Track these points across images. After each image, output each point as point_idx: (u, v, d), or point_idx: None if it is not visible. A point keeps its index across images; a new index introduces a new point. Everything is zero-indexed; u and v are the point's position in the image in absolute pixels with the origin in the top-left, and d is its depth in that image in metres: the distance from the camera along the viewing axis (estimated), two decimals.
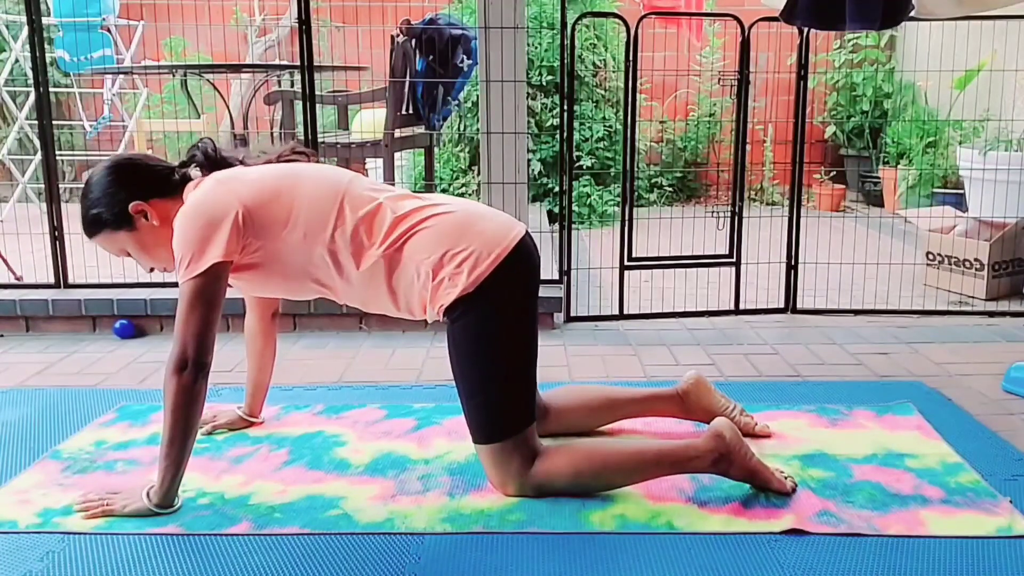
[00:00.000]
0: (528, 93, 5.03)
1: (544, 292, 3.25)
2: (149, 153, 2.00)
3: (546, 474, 1.87)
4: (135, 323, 3.29)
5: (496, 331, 1.85)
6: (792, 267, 3.53)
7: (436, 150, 5.33)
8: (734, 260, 3.51)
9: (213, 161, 1.99)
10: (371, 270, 1.86)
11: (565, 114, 3.29)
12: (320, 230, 1.84)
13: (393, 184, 4.19)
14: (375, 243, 1.84)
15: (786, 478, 1.91)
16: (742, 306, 3.50)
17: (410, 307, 1.91)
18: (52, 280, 3.46)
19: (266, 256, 1.86)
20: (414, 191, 5.23)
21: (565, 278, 3.38)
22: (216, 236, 1.78)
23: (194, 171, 1.99)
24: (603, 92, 5.87)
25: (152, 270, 2.03)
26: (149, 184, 1.93)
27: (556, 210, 3.68)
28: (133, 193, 1.91)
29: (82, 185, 1.93)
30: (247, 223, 1.82)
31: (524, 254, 1.88)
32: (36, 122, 3.68)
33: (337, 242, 1.85)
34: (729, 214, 3.51)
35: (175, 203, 1.92)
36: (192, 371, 1.76)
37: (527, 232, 1.92)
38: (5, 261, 3.65)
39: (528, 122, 4.47)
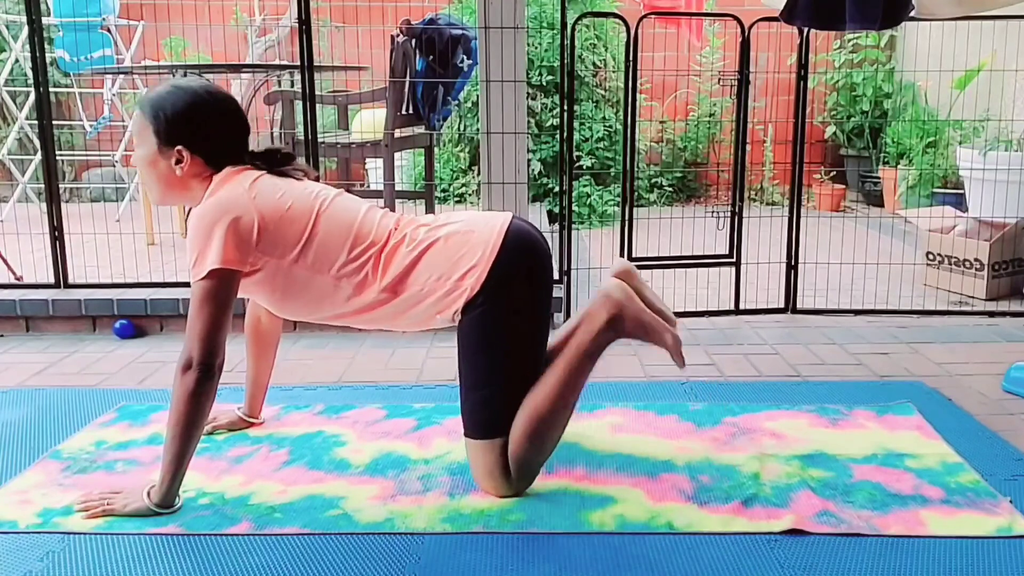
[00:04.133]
0: (528, 93, 5.03)
1: None
2: (241, 114, 1.98)
3: (514, 458, 1.86)
4: (135, 323, 3.29)
5: (499, 327, 1.86)
6: (792, 267, 3.53)
7: (436, 150, 5.34)
8: (734, 260, 3.51)
9: (273, 164, 1.99)
10: (371, 303, 1.90)
11: (565, 114, 3.29)
12: (328, 264, 1.87)
13: (393, 183, 4.20)
14: (376, 280, 1.88)
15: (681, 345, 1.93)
16: (742, 306, 3.50)
17: (415, 325, 1.97)
18: (52, 280, 3.46)
19: (266, 268, 1.87)
20: (414, 190, 5.26)
21: (565, 278, 3.38)
22: (228, 241, 1.79)
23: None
24: (603, 92, 5.87)
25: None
26: (210, 145, 1.90)
27: (556, 210, 3.68)
28: (191, 138, 1.88)
29: (156, 92, 1.88)
30: (259, 239, 1.83)
31: (516, 240, 1.89)
32: (36, 122, 3.67)
33: (342, 279, 1.88)
34: (729, 214, 3.51)
35: (208, 172, 1.91)
36: (197, 372, 1.76)
37: (514, 218, 1.93)
38: (5, 261, 3.65)
39: (528, 122, 4.47)
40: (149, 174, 1.94)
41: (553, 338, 2.12)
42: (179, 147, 1.88)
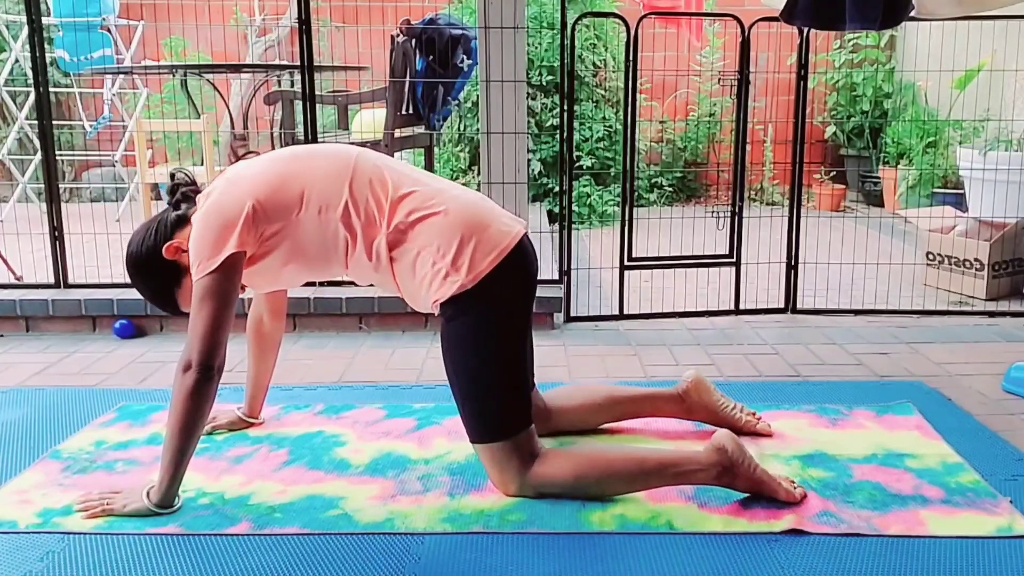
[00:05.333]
0: (528, 93, 5.03)
1: (544, 292, 3.25)
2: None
3: (547, 477, 1.87)
4: (135, 323, 3.29)
5: (491, 333, 1.85)
6: (792, 267, 3.53)
7: (436, 150, 5.34)
8: (734, 260, 3.51)
9: (194, 184, 2.01)
10: (377, 255, 1.87)
11: (565, 114, 3.29)
12: (334, 203, 1.85)
13: None
14: (384, 221, 1.85)
15: (796, 488, 1.88)
16: (742, 306, 3.50)
17: (410, 295, 1.93)
18: (52, 280, 3.46)
19: (284, 238, 1.86)
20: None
21: (565, 278, 3.38)
22: (231, 234, 1.79)
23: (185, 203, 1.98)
24: (603, 92, 5.87)
25: (248, 298, 2.04)
26: (160, 234, 1.93)
27: (556, 210, 3.68)
28: (157, 247, 1.91)
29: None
30: (259, 215, 1.82)
31: (522, 255, 1.88)
32: (36, 122, 3.67)
33: (351, 214, 1.85)
34: (729, 214, 3.51)
35: (190, 217, 1.92)
36: (196, 372, 1.76)
37: (526, 233, 1.93)
38: (5, 261, 3.65)
39: (528, 122, 4.47)
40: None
41: (619, 389, 2.25)
42: (164, 253, 1.89)
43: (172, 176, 2.00)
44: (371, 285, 2.01)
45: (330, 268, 1.95)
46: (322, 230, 1.86)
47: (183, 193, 1.97)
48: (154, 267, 1.92)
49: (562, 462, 1.89)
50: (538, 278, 1.98)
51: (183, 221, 1.93)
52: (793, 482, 1.90)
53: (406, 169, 1.98)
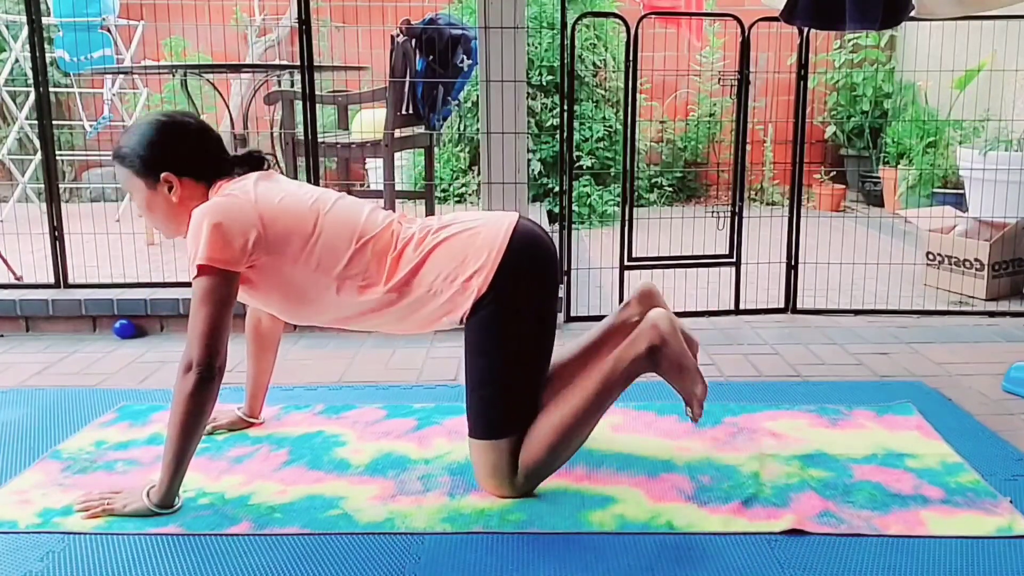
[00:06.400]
0: (528, 93, 5.03)
1: None
2: (208, 126, 2.01)
3: (526, 464, 1.87)
4: (135, 323, 3.29)
5: (510, 325, 1.86)
6: (792, 267, 3.53)
7: (436, 150, 5.34)
8: (734, 260, 3.51)
9: (261, 166, 2.02)
10: (377, 303, 1.89)
11: (565, 114, 3.29)
12: (332, 266, 1.87)
13: (393, 183, 4.20)
14: (382, 281, 1.88)
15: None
16: (742, 306, 3.50)
17: (422, 327, 1.96)
18: (52, 280, 3.46)
19: (268, 271, 1.87)
20: (414, 190, 5.26)
21: (565, 278, 3.38)
22: (227, 241, 1.79)
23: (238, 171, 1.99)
24: (603, 92, 5.87)
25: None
26: (190, 162, 1.93)
27: (556, 210, 3.68)
28: (171, 161, 1.91)
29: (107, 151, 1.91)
30: (259, 241, 1.83)
31: (523, 240, 1.89)
32: (36, 122, 3.67)
33: (346, 280, 1.88)
34: (729, 214, 3.51)
35: (201, 190, 1.93)
36: (197, 373, 1.76)
37: (520, 219, 1.93)
38: (5, 261, 3.65)
39: (528, 122, 4.47)
40: (152, 215, 1.97)
41: (579, 341, 2.15)
42: (163, 174, 1.90)
43: (250, 147, 2.00)
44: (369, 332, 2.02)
45: (305, 315, 1.96)
46: (312, 280, 1.88)
47: (247, 161, 1.97)
48: (147, 156, 1.90)
49: (531, 445, 1.87)
50: (551, 254, 1.94)
51: (208, 175, 1.93)
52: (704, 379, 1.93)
53: (407, 219, 2.00)
